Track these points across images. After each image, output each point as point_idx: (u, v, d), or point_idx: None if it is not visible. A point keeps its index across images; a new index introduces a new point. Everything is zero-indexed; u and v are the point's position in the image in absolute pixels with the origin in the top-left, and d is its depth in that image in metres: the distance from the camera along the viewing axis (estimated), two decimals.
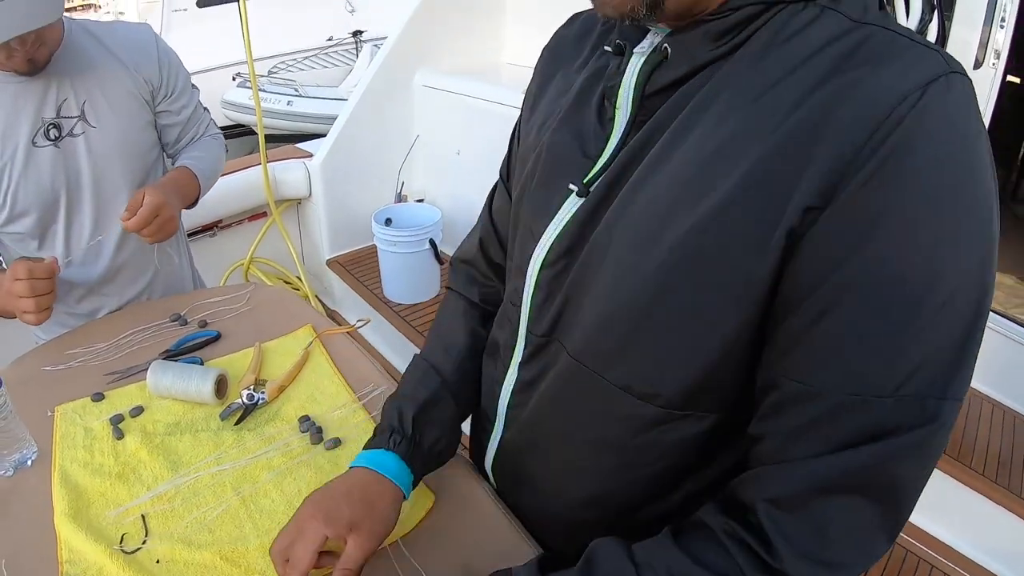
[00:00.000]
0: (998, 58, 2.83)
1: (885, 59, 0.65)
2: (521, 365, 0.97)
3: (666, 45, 0.77)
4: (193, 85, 1.92)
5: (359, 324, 1.59)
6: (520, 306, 0.94)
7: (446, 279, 3.74)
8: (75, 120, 1.62)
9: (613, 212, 0.79)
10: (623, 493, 0.91)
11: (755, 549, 0.70)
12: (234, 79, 10.00)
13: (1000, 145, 6.85)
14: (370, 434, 1.04)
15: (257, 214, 4.01)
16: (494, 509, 1.09)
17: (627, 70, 0.81)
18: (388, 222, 3.67)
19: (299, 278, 4.02)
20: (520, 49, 4.20)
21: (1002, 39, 2.81)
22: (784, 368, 0.70)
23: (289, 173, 3.91)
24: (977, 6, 2.76)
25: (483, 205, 1.16)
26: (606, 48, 0.86)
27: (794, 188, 0.65)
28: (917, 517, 2.72)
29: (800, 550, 0.69)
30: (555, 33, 1.06)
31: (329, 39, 11.36)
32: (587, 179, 0.83)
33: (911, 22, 2.45)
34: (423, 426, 1.03)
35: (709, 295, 0.72)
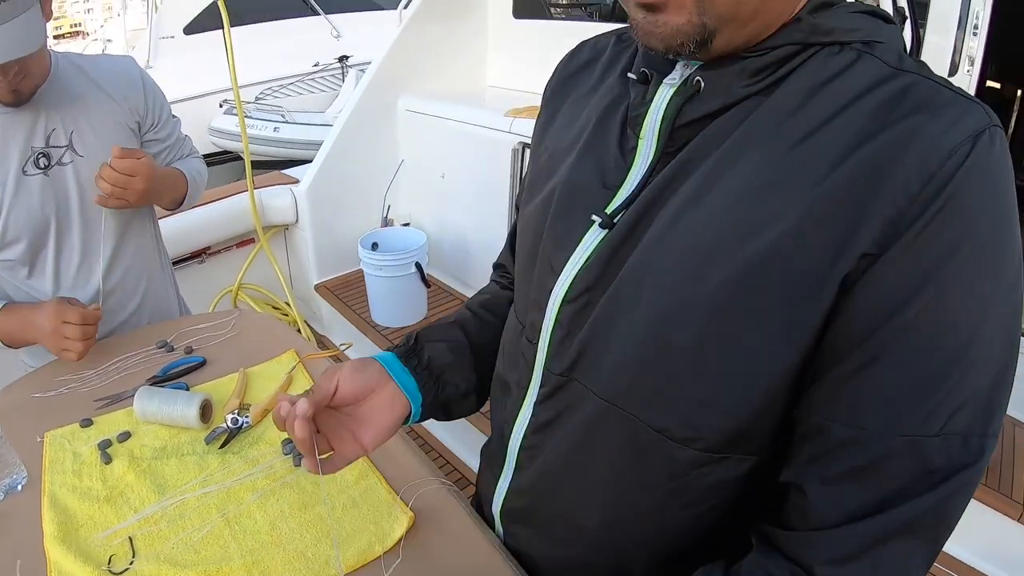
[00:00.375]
0: (972, 64, 2.87)
1: (933, 111, 0.66)
2: (537, 404, 0.92)
3: (699, 78, 0.75)
4: (173, 115, 1.98)
5: (342, 348, 1.63)
6: (537, 343, 0.91)
7: (433, 302, 3.78)
8: (63, 149, 1.67)
9: (647, 248, 0.77)
10: (649, 538, 0.89)
11: None
12: (221, 106, 10.04)
13: None
14: None
15: (245, 240, 4.03)
16: (489, 547, 1.09)
17: (654, 100, 0.79)
18: (375, 246, 3.70)
19: (288, 304, 4.03)
20: (503, 72, 4.26)
21: (976, 46, 2.86)
22: (831, 413, 0.70)
23: (276, 199, 3.94)
24: (950, 14, 2.81)
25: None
26: (630, 75, 0.84)
27: (851, 234, 0.66)
28: None
29: None
30: (558, 65, 1.05)
31: (315, 65, 11.42)
32: (611, 210, 0.81)
33: None
34: (425, 342, 1.06)
35: (758, 338, 0.71)
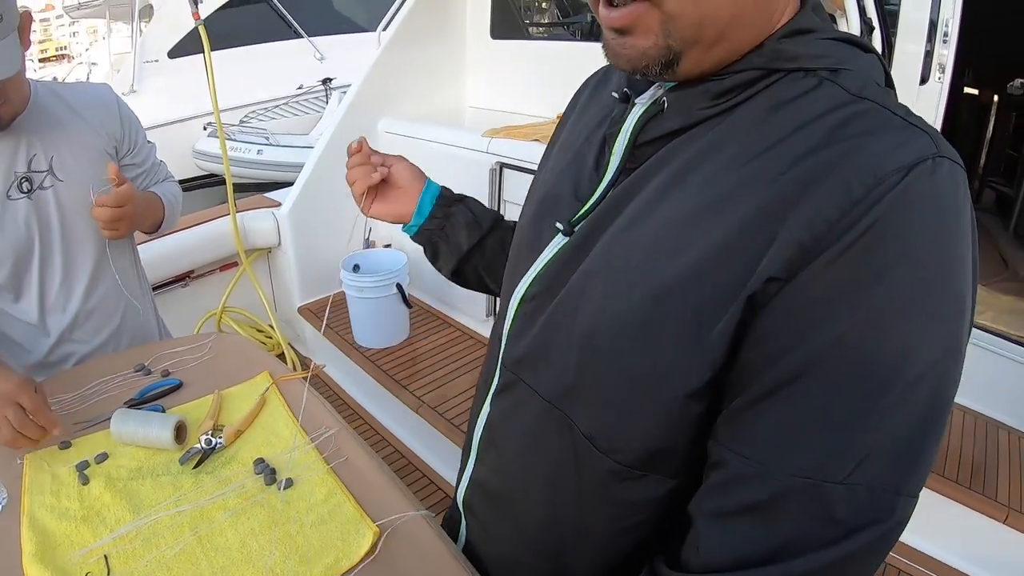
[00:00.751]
0: (943, 72, 2.92)
1: (873, 136, 0.65)
2: (494, 398, 0.98)
3: (665, 98, 0.79)
4: (148, 140, 2.04)
5: (314, 369, 1.66)
6: (501, 337, 0.96)
7: (415, 323, 3.81)
8: (44, 174, 1.72)
9: (592, 258, 0.81)
10: (581, 548, 0.91)
11: None
12: (205, 128, 10.07)
13: (959, 155, 7.01)
14: (321, 474, 1.17)
15: (228, 264, 4.06)
16: (453, 562, 1.11)
17: (628, 118, 0.83)
18: (356, 268, 3.73)
19: (271, 326, 4.05)
20: (481, 92, 4.31)
21: (947, 54, 2.90)
22: (733, 443, 0.69)
23: (258, 222, 3.98)
24: (920, 22, 2.87)
25: None
26: (614, 94, 0.88)
27: (763, 255, 0.65)
28: None
29: None
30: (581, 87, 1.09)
31: (299, 87, 11.46)
32: (573, 219, 0.86)
33: None
34: (463, 206, 1.26)
35: (672, 353, 0.72)
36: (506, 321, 0.93)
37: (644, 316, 0.73)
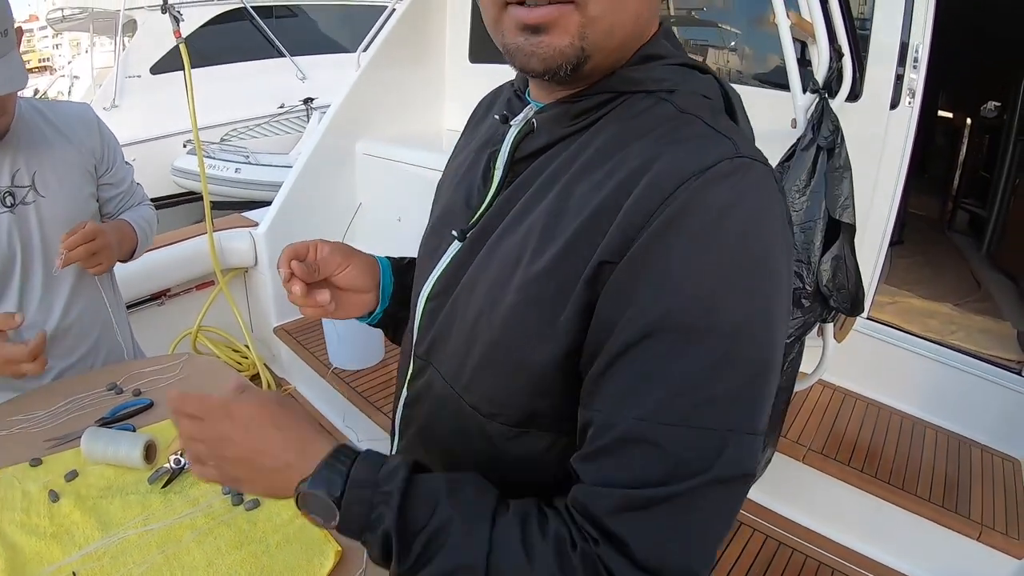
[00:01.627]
0: (913, 97, 2.98)
1: (682, 144, 0.77)
2: (409, 382, 1.07)
3: (535, 120, 0.91)
4: (126, 161, 2.07)
5: (286, 389, 1.68)
6: (413, 332, 1.05)
7: (390, 345, 3.81)
8: (27, 189, 1.74)
9: (479, 262, 0.91)
10: None
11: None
12: (185, 146, 10.04)
13: (932, 178, 7.09)
14: None
15: (205, 283, 4.06)
16: None
17: (506, 138, 0.94)
18: None
19: (247, 346, 4.04)
20: (459, 115, 4.25)
21: (917, 78, 2.96)
22: (591, 404, 0.78)
23: (235, 242, 3.98)
24: (890, 48, 2.94)
25: None
26: (495, 116, 0.99)
27: (598, 245, 0.76)
28: (869, 548, 2.85)
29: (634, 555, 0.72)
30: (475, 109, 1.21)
31: (281, 106, 11.48)
32: (467, 227, 0.96)
33: (820, 68, 2.57)
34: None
35: (534, 333, 0.82)
36: (415, 319, 1.03)
37: (514, 305, 0.84)
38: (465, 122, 1.20)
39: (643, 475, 0.73)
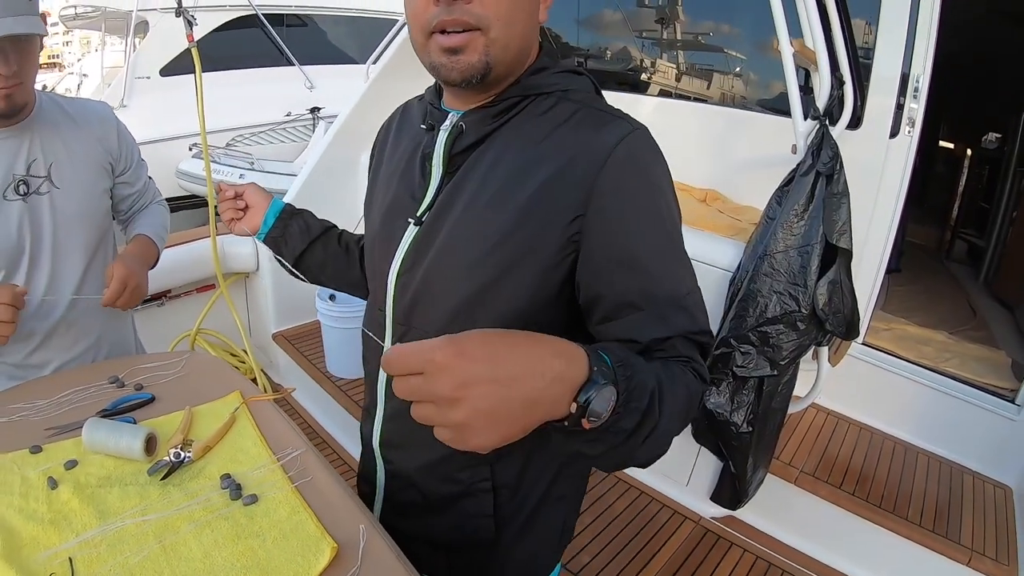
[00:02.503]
0: (913, 126, 3.02)
1: (599, 126, 1.12)
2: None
3: (462, 123, 1.19)
4: (141, 158, 2.10)
5: (284, 392, 1.70)
6: (385, 309, 1.30)
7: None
8: (42, 180, 1.77)
9: (446, 232, 1.18)
10: None
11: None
12: (191, 149, 10.07)
13: (932, 207, 7.14)
14: (285, 492, 1.35)
15: (205, 286, 4.08)
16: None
17: (438, 140, 1.22)
18: (332, 297, 3.74)
19: (245, 351, 4.04)
20: None
21: (917, 108, 3.01)
22: (600, 304, 1.12)
23: (237, 247, 3.99)
24: (891, 78, 2.98)
25: None
26: (423, 126, 1.27)
27: (566, 203, 1.09)
28: (859, 570, 2.89)
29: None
30: (379, 131, 1.53)
31: (288, 114, 11.51)
32: (420, 213, 1.23)
33: (821, 95, 2.61)
34: (298, 217, 1.62)
35: (523, 272, 1.13)
36: (388, 294, 1.28)
37: (499, 249, 1.13)
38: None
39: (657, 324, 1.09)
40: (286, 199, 4.01)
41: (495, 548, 1.37)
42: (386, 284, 1.28)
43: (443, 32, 1.08)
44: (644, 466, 1.02)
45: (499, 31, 1.07)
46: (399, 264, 1.25)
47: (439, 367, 0.76)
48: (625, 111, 1.20)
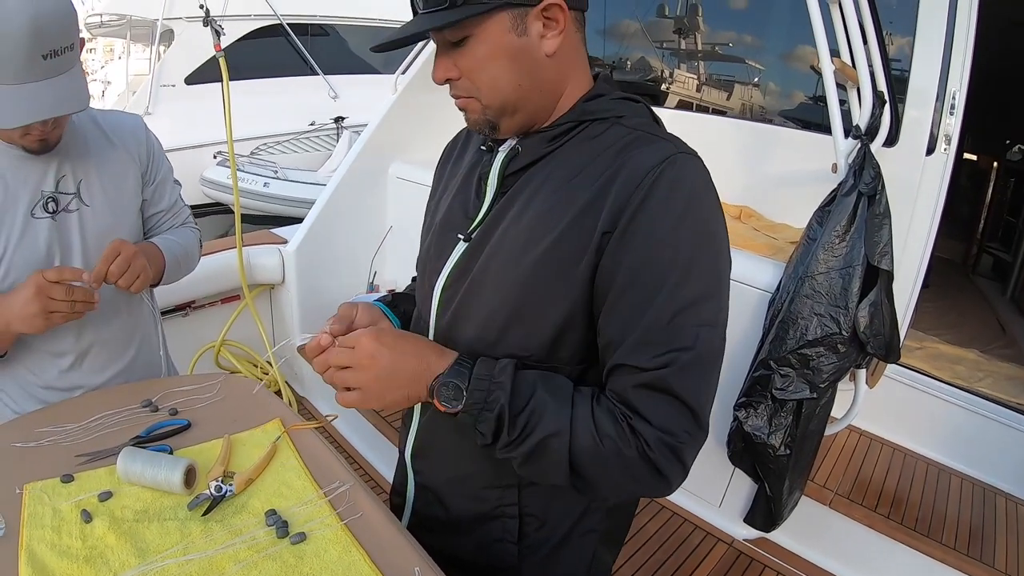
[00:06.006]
0: (949, 143, 3.00)
1: (642, 148, 1.13)
2: None
3: (518, 146, 1.24)
4: (176, 181, 2.05)
5: (328, 418, 1.67)
6: (428, 320, 1.34)
7: None
8: (71, 197, 1.73)
9: (490, 249, 1.22)
10: None
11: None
12: (215, 157, 10.14)
13: (958, 221, 7.05)
14: (335, 529, 1.32)
15: (230, 297, 4.05)
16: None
17: (495, 161, 1.27)
18: None
19: (269, 363, 4.01)
20: None
21: (953, 123, 2.98)
22: (606, 329, 1.12)
23: (263, 258, 3.98)
24: (927, 94, 2.95)
25: None
26: (482, 147, 1.33)
27: (598, 222, 1.10)
28: None
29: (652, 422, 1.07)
30: (444, 149, 1.56)
31: (311, 124, 11.57)
32: (470, 230, 1.27)
33: (863, 114, 2.57)
34: (399, 302, 1.54)
35: (552, 289, 1.15)
36: (432, 307, 1.33)
37: (533, 272, 1.15)
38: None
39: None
40: (314, 211, 4.06)
41: None
42: (431, 296, 1.33)
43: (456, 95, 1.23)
44: (559, 483, 1.14)
45: (487, 96, 1.17)
46: (445, 278, 1.30)
47: (360, 344, 1.16)
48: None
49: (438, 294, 1.31)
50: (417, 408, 1.41)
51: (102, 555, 1.23)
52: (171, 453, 1.51)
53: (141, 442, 1.56)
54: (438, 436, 1.38)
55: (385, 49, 1.22)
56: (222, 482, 1.40)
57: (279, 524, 1.31)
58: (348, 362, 1.16)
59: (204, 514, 1.34)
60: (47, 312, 1.59)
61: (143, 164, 1.91)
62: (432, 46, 1.25)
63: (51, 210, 1.70)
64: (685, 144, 1.15)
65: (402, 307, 1.51)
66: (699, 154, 1.15)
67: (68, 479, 1.42)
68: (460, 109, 1.22)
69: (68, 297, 1.59)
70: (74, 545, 1.25)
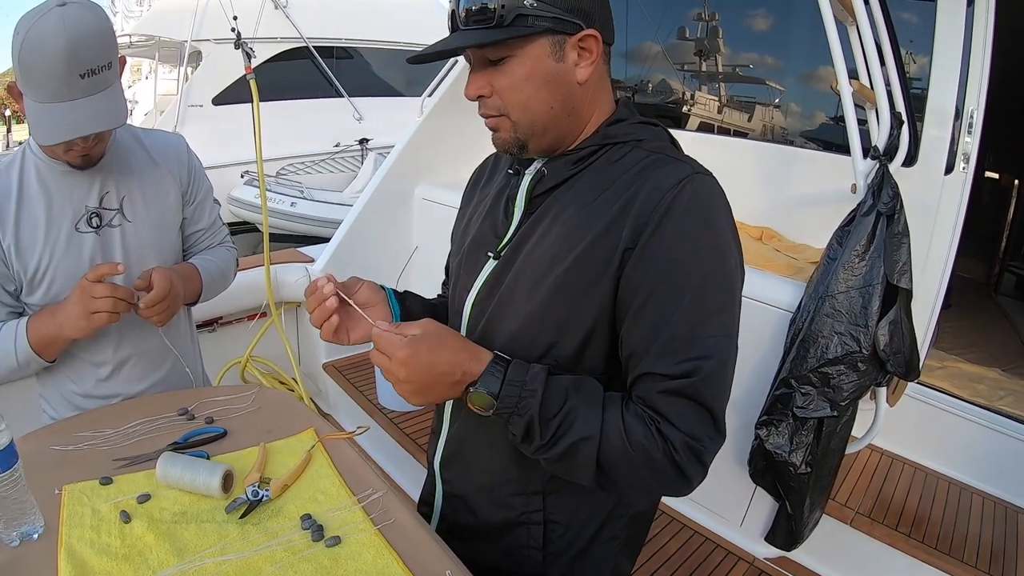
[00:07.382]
0: (967, 162, 3.00)
1: (661, 169, 1.17)
2: None
3: (544, 168, 1.29)
4: (215, 200, 2.09)
5: (359, 431, 1.70)
6: (460, 329, 1.38)
7: None
8: (114, 212, 1.78)
9: (518, 266, 1.27)
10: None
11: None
12: (242, 176, 10.23)
13: (980, 239, 7.00)
14: (369, 534, 1.36)
15: (256, 313, 4.09)
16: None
17: (522, 183, 1.32)
18: None
19: (295, 379, 4.04)
20: None
21: (972, 142, 2.98)
22: (629, 340, 1.17)
23: (290, 276, 4.03)
24: (945, 113, 2.95)
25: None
26: (509, 171, 1.39)
27: (620, 239, 1.14)
28: None
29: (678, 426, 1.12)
30: (473, 173, 1.62)
31: (336, 145, 11.65)
32: (499, 248, 1.32)
33: (881, 135, 2.60)
34: (408, 298, 1.57)
35: (577, 302, 1.19)
36: (462, 322, 1.38)
37: (559, 287, 1.20)
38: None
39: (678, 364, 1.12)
40: (341, 230, 4.11)
41: None
42: (462, 312, 1.38)
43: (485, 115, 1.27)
44: (584, 482, 1.19)
45: (519, 116, 1.21)
46: (475, 294, 1.35)
47: (409, 352, 1.15)
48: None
49: (468, 309, 1.36)
50: (446, 419, 1.45)
51: (141, 553, 1.27)
52: (208, 459, 1.54)
53: (178, 448, 1.60)
54: (466, 446, 1.43)
55: (423, 60, 1.24)
56: (259, 487, 1.44)
57: (314, 528, 1.34)
58: (383, 368, 1.20)
59: (241, 517, 1.38)
60: (89, 313, 1.63)
61: (184, 183, 1.96)
62: (458, 70, 1.29)
63: (95, 225, 1.76)
64: (701, 165, 1.21)
65: (408, 303, 1.54)
66: (716, 175, 1.20)
67: (107, 481, 1.47)
68: (490, 129, 1.26)
69: (110, 294, 1.63)
70: (113, 543, 1.29)
